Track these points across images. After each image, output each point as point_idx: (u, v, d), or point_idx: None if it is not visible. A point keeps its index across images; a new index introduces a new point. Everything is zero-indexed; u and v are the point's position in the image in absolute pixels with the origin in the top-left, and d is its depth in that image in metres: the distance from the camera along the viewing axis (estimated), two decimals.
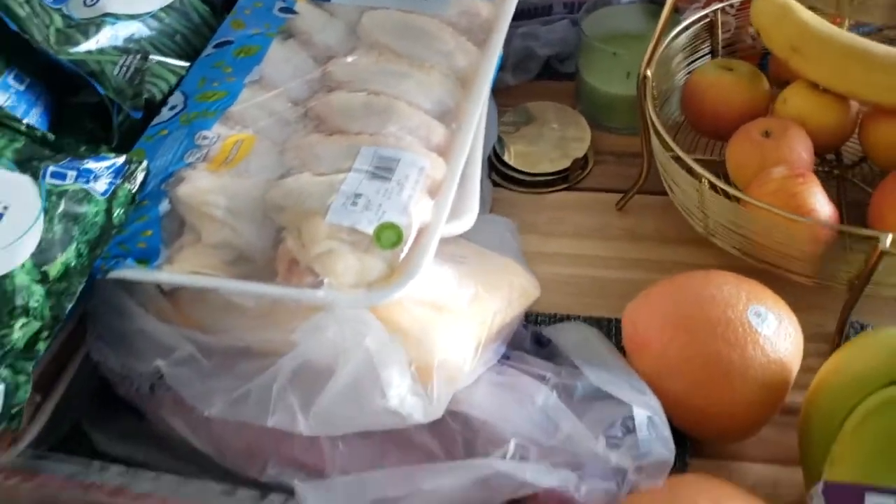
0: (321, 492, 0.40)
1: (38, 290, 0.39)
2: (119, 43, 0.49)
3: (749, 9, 0.58)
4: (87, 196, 0.41)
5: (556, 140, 0.67)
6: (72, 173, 0.41)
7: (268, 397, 0.39)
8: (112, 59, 0.47)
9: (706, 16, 0.62)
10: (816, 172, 0.53)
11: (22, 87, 0.46)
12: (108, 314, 0.43)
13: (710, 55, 0.63)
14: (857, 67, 0.53)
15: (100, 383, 0.48)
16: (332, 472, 0.41)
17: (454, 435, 0.41)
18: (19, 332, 0.39)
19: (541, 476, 0.39)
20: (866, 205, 0.54)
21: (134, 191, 0.42)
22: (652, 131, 0.54)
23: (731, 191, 0.49)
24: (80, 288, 0.40)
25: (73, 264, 0.40)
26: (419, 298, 0.42)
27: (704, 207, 0.52)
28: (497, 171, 0.65)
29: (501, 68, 0.70)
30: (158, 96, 0.49)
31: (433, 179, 0.43)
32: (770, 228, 0.48)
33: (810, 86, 0.56)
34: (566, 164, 0.64)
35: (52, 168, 0.40)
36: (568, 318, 0.55)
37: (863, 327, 0.53)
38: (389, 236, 0.40)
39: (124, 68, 0.47)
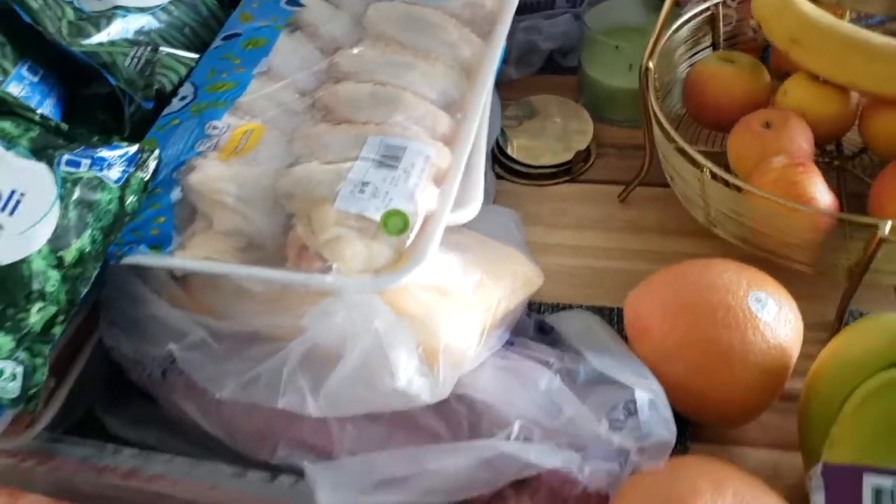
0: (330, 472, 0.41)
1: (54, 275, 0.40)
2: (129, 35, 0.50)
3: (750, 1, 0.58)
4: (100, 184, 0.41)
5: (559, 133, 0.68)
6: (86, 161, 0.41)
7: (278, 380, 0.40)
8: (123, 51, 0.48)
9: (707, 9, 0.62)
10: (817, 163, 0.53)
11: (36, 79, 0.47)
12: (121, 300, 0.44)
13: (711, 48, 0.64)
14: (857, 58, 0.54)
15: (112, 369, 0.49)
16: (341, 453, 0.42)
17: (459, 417, 0.42)
18: (36, 316, 0.40)
19: (544, 457, 0.40)
20: (866, 195, 0.55)
21: (146, 179, 0.43)
22: (654, 122, 0.55)
23: (732, 179, 0.49)
24: (95, 273, 0.41)
25: (87, 250, 0.41)
26: (425, 284, 0.43)
27: (706, 197, 0.52)
28: (500, 163, 0.66)
29: (504, 62, 0.71)
30: (169, 87, 0.50)
31: (438, 168, 0.44)
32: (771, 217, 0.49)
33: (811, 77, 0.57)
34: (569, 156, 0.65)
35: (66, 156, 0.41)
36: (570, 307, 0.55)
37: (861, 315, 0.53)
38: (396, 223, 0.41)
39: (135, 60, 0.48)
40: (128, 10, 0.52)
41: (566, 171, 0.65)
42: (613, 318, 0.55)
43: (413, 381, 0.38)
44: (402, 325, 0.38)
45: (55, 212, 0.40)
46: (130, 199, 0.42)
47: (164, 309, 0.42)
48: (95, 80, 0.49)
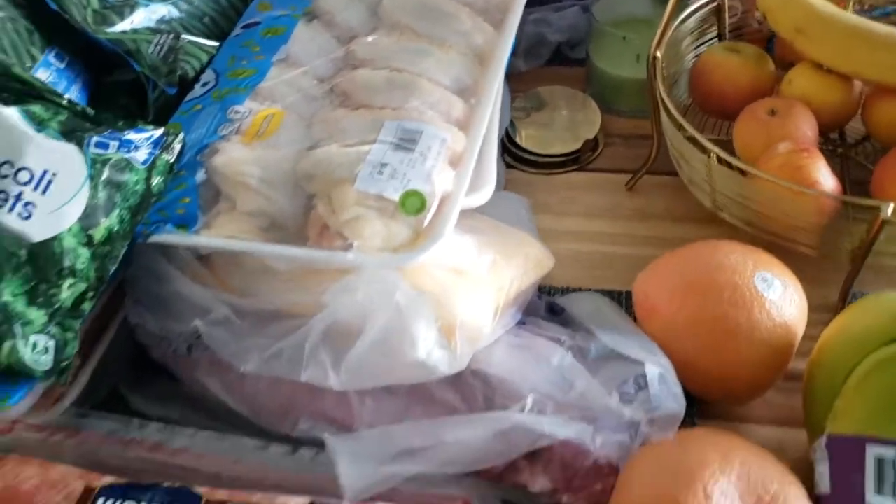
0: (350, 443, 0.42)
1: (84, 252, 0.41)
2: (152, 24, 0.52)
3: None
4: (128, 165, 0.43)
5: (567, 123, 0.69)
6: (114, 143, 0.43)
7: (300, 354, 0.41)
8: (147, 39, 0.50)
9: (713, 0, 0.64)
10: (821, 150, 0.55)
11: (62, 65, 0.48)
12: (146, 279, 0.45)
13: (717, 38, 0.65)
14: (860, 47, 0.55)
15: (135, 349, 0.50)
16: (360, 426, 0.44)
17: (475, 392, 0.44)
18: (67, 292, 0.41)
19: (558, 428, 0.41)
20: (868, 182, 0.56)
21: (172, 161, 0.45)
22: (662, 109, 0.56)
23: (738, 164, 0.51)
24: (123, 251, 0.43)
25: (115, 229, 0.42)
26: (441, 264, 0.44)
27: (712, 182, 0.54)
28: (510, 153, 0.68)
29: (513, 54, 0.72)
30: (191, 73, 0.52)
31: (454, 151, 0.46)
32: (776, 200, 0.50)
33: (815, 66, 0.58)
34: (577, 145, 0.67)
35: (95, 138, 0.43)
36: (580, 290, 0.57)
37: None
38: (414, 203, 0.42)
39: (158, 47, 0.50)
40: None
41: (574, 160, 0.67)
42: (622, 301, 0.56)
43: (432, 353, 0.39)
44: (422, 299, 0.39)
45: (85, 191, 0.41)
46: (156, 180, 0.44)
47: (189, 286, 0.44)
48: (118, 68, 0.51)
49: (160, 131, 0.45)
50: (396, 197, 0.42)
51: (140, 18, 0.51)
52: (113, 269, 0.42)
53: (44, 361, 0.40)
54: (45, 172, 0.41)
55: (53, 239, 0.40)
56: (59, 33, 0.49)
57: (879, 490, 0.39)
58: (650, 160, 0.62)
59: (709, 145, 0.52)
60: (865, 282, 0.53)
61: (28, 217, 0.40)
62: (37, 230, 0.40)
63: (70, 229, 0.41)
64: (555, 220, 0.63)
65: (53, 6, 0.48)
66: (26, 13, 0.48)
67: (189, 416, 0.48)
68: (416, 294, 0.39)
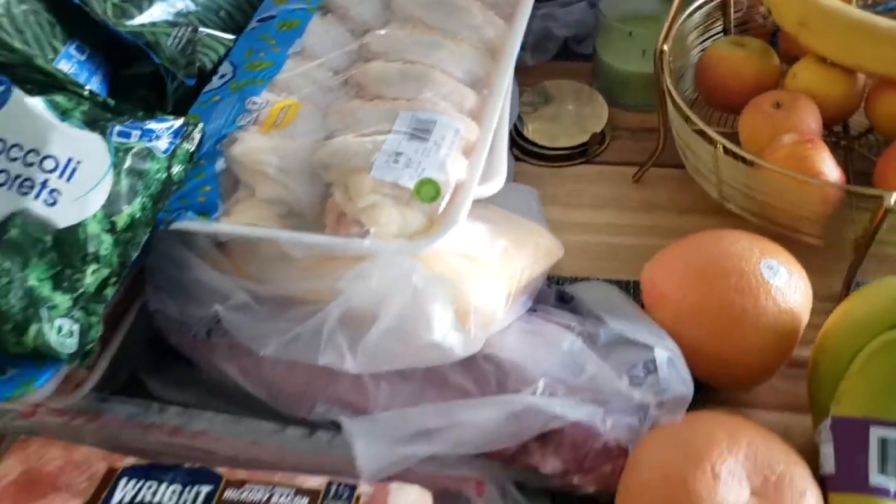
0: (366, 425, 0.43)
1: (108, 238, 0.42)
2: (169, 17, 0.53)
3: None
4: (150, 154, 0.44)
5: (574, 117, 0.70)
6: (136, 132, 0.44)
7: (318, 338, 0.42)
8: (165, 31, 0.51)
9: None
10: (825, 143, 0.56)
11: (83, 57, 0.50)
12: (167, 266, 0.46)
13: (722, 33, 0.66)
14: (864, 41, 0.56)
15: (153, 336, 0.51)
16: (376, 410, 0.45)
17: (487, 376, 0.45)
18: (91, 277, 0.42)
19: (569, 410, 0.42)
20: (872, 174, 0.57)
21: (192, 150, 0.46)
22: (669, 101, 0.57)
23: (744, 154, 0.52)
24: (145, 238, 0.44)
25: (138, 216, 0.43)
26: (455, 251, 0.45)
27: (719, 173, 0.55)
28: (518, 146, 0.69)
29: (521, 49, 0.73)
30: (209, 65, 0.53)
31: (467, 141, 0.47)
32: (781, 191, 0.51)
33: (819, 60, 0.59)
34: (585, 138, 0.68)
35: (118, 127, 0.44)
36: (588, 280, 0.58)
37: None
38: (428, 191, 0.43)
39: (177, 39, 0.51)
40: None
41: (582, 153, 0.68)
42: (629, 290, 0.57)
43: (448, 336, 0.40)
44: (438, 281, 0.40)
45: (108, 179, 0.42)
46: (177, 169, 0.45)
47: (209, 273, 0.45)
48: (137, 61, 0.52)
49: (180, 121, 0.46)
50: (412, 185, 0.43)
51: (158, 12, 0.52)
52: (135, 255, 0.43)
53: (69, 344, 0.41)
54: (69, 160, 0.42)
55: (78, 225, 0.42)
56: (80, 26, 0.50)
57: (883, 470, 0.41)
58: (657, 153, 0.63)
59: (716, 136, 0.53)
60: (868, 271, 0.54)
61: (53, 204, 0.41)
62: (62, 217, 0.41)
63: (94, 216, 0.42)
64: (563, 211, 0.64)
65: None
66: (48, 6, 0.49)
67: (207, 401, 0.49)
68: (432, 277, 0.40)
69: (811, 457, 0.43)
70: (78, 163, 0.42)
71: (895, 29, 0.55)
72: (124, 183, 0.43)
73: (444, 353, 0.41)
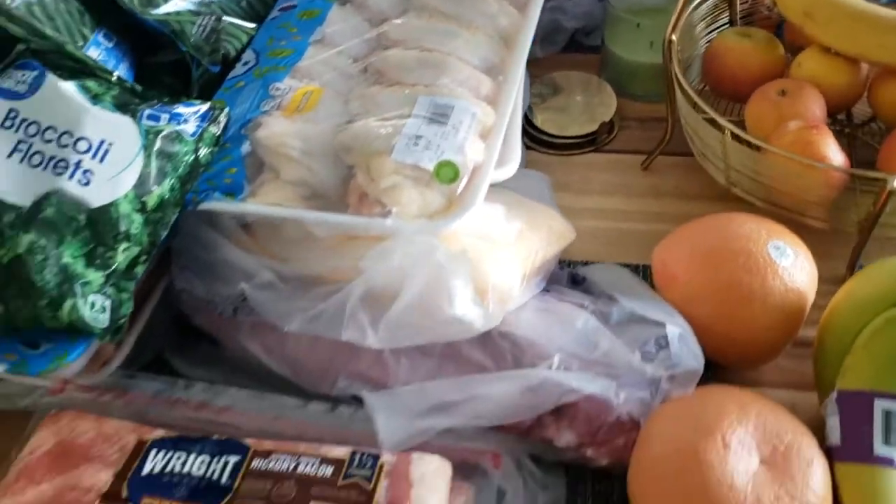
0: (387, 399, 0.45)
1: (138, 218, 0.44)
2: (193, 6, 0.54)
3: None
4: (178, 136, 0.46)
5: (583, 107, 0.71)
6: (165, 116, 0.46)
7: (341, 315, 0.44)
8: (190, 20, 0.52)
9: None
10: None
11: (111, 45, 0.51)
12: (193, 247, 0.48)
13: (728, 24, 0.68)
14: (867, 31, 0.58)
15: (177, 316, 0.53)
16: (396, 385, 0.46)
17: (504, 352, 0.46)
18: (122, 255, 0.44)
19: (584, 383, 0.44)
20: (875, 161, 0.58)
21: (218, 133, 0.47)
22: (677, 89, 0.59)
23: (751, 139, 0.53)
24: (174, 218, 0.45)
25: (167, 197, 0.45)
26: (473, 231, 0.47)
27: (726, 158, 0.56)
28: (528, 135, 0.70)
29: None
30: (233, 53, 0.54)
31: (484, 125, 0.48)
32: (787, 175, 0.53)
33: (823, 50, 0.60)
34: (594, 127, 0.69)
35: (147, 111, 0.45)
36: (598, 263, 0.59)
37: None
38: (447, 172, 0.45)
39: (201, 28, 0.52)
40: None
41: (591, 142, 0.69)
42: (639, 273, 0.58)
43: (468, 310, 0.42)
44: (460, 258, 0.42)
45: (139, 160, 0.44)
46: (204, 152, 0.46)
47: (235, 253, 0.46)
48: (162, 49, 0.53)
49: (207, 106, 0.47)
50: (431, 167, 0.45)
51: (182, 1, 0.54)
52: (164, 234, 0.45)
53: (102, 320, 0.43)
54: (102, 142, 0.44)
55: (110, 205, 0.43)
56: (108, 15, 0.52)
57: (886, 440, 0.42)
58: (665, 141, 0.65)
59: (723, 122, 0.54)
60: (872, 254, 0.56)
61: (87, 184, 0.43)
62: (95, 196, 0.43)
63: (126, 196, 0.44)
64: (573, 198, 0.65)
65: None
66: None
67: (231, 378, 0.50)
68: (453, 254, 0.42)
69: (817, 431, 0.44)
70: (110, 144, 0.44)
71: None
72: (154, 164, 0.45)
73: (464, 328, 0.42)
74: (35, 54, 0.46)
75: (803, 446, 0.41)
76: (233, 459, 0.42)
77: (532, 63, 0.78)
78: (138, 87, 0.48)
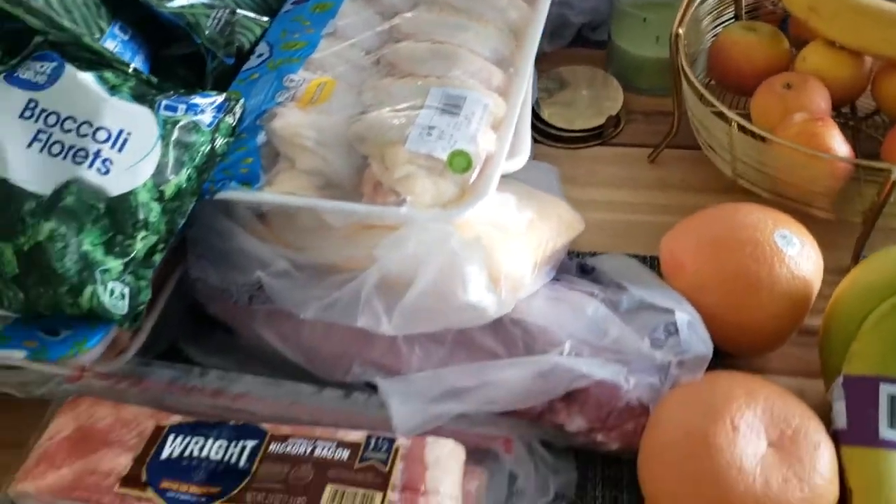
0: (400, 385, 0.45)
1: (156, 207, 0.45)
2: (207, 0, 0.55)
3: None
4: (195, 127, 0.46)
5: (590, 101, 0.72)
6: (182, 106, 0.46)
7: (356, 302, 0.45)
8: (205, 13, 0.53)
9: None
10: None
11: (126, 37, 0.52)
12: (209, 236, 0.48)
13: (734, 19, 0.69)
14: (871, 25, 0.58)
15: (191, 306, 0.53)
16: (409, 372, 0.47)
17: (515, 339, 0.47)
18: (140, 244, 0.44)
19: (595, 369, 0.44)
20: (879, 154, 0.59)
21: (234, 124, 0.48)
22: (684, 82, 0.60)
23: (758, 130, 0.54)
24: (191, 207, 0.46)
25: (184, 186, 0.46)
26: (485, 220, 0.47)
27: (733, 150, 0.57)
28: (536, 128, 0.71)
29: None
30: (247, 45, 0.55)
31: (495, 116, 0.49)
32: (793, 166, 0.54)
33: (827, 44, 0.61)
34: (601, 120, 0.70)
35: (165, 101, 0.46)
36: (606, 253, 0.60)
37: None
38: (460, 162, 0.46)
39: (216, 20, 0.53)
40: None
41: (598, 136, 0.70)
42: (646, 264, 0.59)
43: (482, 296, 0.43)
44: (473, 246, 0.42)
45: (157, 150, 0.45)
46: (220, 142, 0.47)
47: (251, 242, 0.47)
48: (176, 42, 0.54)
49: (222, 97, 0.48)
50: (444, 156, 0.46)
51: None
52: (181, 223, 0.46)
53: (121, 306, 0.44)
54: (121, 132, 0.44)
55: (129, 193, 0.44)
56: (123, 7, 0.52)
57: (892, 424, 0.43)
58: (671, 134, 0.66)
59: (730, 114, 0.55)
60: (876, 244, 0.56)
61: (106, 173, 0.44)
62: (114, 185, 0.44)
63: (144, 185, 0.44)
64: (580, 190, 0.66)
65: None
66: None
67: (245, 367, 0.51)
68: (468, 241, 0.42)
69: (823, 417, 0.45)
70: (129, 134, 0.44)
71: None
72: (172, 154, 0.45)
73: (478, 314, 0.43)
74: (53, 46, 0.47)
75: (810, 430, 0.42)
76: (250, 444, 0.43)
77: (539, 58, 0.78)
78: (154, 79, 0.49)
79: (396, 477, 0.41)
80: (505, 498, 0.44)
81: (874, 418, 0.43)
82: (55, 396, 0.49)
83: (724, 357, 0.52)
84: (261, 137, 0.48)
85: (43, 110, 0.45)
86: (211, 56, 0.52)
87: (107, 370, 0.50)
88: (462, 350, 0.47)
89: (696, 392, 0.44)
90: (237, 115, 0.48)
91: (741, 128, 0.55)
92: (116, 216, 0.43)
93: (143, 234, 0.44)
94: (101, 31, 0.50)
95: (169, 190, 0.45)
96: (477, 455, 0.45)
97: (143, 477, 0.42)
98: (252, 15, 0.57)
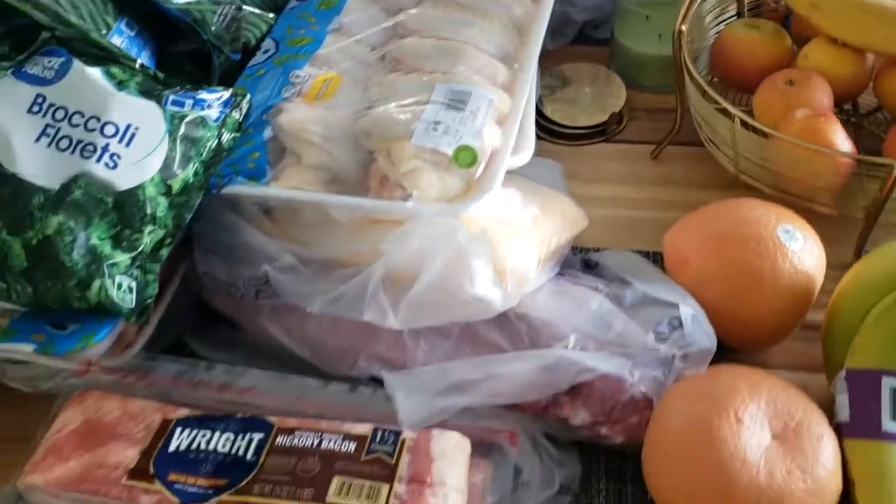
0: (406, 378, 0.46)
1: (163, 201, 0.45)
2: None
3: None
4: (202, 122, 0.47)
5: (592, 98, 0.72)
6: (189, 102, 0.47)
7: (362, 296, 0.45)
8: (211, 9, 0.53)
9: None
10: None
11: (133, 33, 0.52)
12: (216, 230, 0.49)
13: (736, 16, 0.69)
14: (873, 22, 0.59)
15: (197, 302, 0.54)
16: (414, 366, 0.47)
17: (520, 333, 0.47)
18: (148, 238, 0.45)
19: (600, 362, 0.45)
20: (880, 150, 0.59)
21: (240, 119, 0.48)
22: (688, 78, 0.60)
23: (761, 126, 0.54)
24: (198, 202, 0.46)
25: (191, 181, 0.46)
26: (490, 215, 0.48)
27: (736, 146, 0.57)
28: (539, 125, 0.71)
29: None
30: (253, 41, 0.56)
31: (500, 111, 0.49)
32: (796, 161, 0.54)
33: (829, 41, 0.61)
34: (604, 117, 0.70)
35: (172, 97, 0.46)
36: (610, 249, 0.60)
37: None
38: (466, 157, 0.46)
39: (222, 17, 0.53)
40: None
41: (601, 133, 0.70)
42: (648, 260, 0.59)
43: (489, 290, 0.43)
44: (480, 239, 0.43)
45: (164, 145, 0.45)
46: (227, 137, 0.47)
47: (257, 236, 0.47)
48: (182, 38, 0.54)
49: (229, 92, 0.48)
50: (450, 151, 0.46)
51: None
52: (189, 217, 0.46)
53: (128, 300, 0.44)
54: (128, 126, 0.45)
55: (137, 188, 0.44)
56: (130, 4, 0.53)
57: (895, 417, 0.43)
58: (674, 130, 0.66)
59: (733, 110, 0.55)
60: (878, 240, 0.56)
61: (114, 167, 0.44)
62: (122, 179, 0.44)
63: (151, 179, 0.45)
64: (584, 186, 0.66)
65: None
66: None
67: (250, 362, 0.51)
68: (474, 234, 0.43)
69: (826, 411, 0.45)
70: (136, 129, 0.45)
71: None
72: (179, 149, 0.46)
73: (484, 307, 0.43)
74: (60, 42, 0.47)
75: (813, 422, 0.42)
76: (257, 436, 0.43)
77: (541, 56, 0.78)
78: (160, 75, 0.49)
79: (403, 469, 0.41)
80: (510, 490, 0.45)
81: (877, 411, 0.43)
82: (62, 391, 0.49)
83: (727, 352, 0.52)
84: (267, 132, 0.49)
85: (51, 105, 0.45)
86: (217, 52, 0.53)
87: (113, 364, 0.50)
88: (467, 344, 0.47)
89: (700, 385, 0.45)
90: (243, 111, 0.49)
91: (744, 124, 0.55)
92: (124, 210, 0.44)
93: (150, 228, 0.44)
94: (108, 27, 0.50)
95: (176, 184, 0.45)
96: (482, 448, 0.45)
97: (151, 469, 0.42)
98: (258, 11, 0.57)
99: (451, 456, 0.42)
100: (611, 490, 0.47)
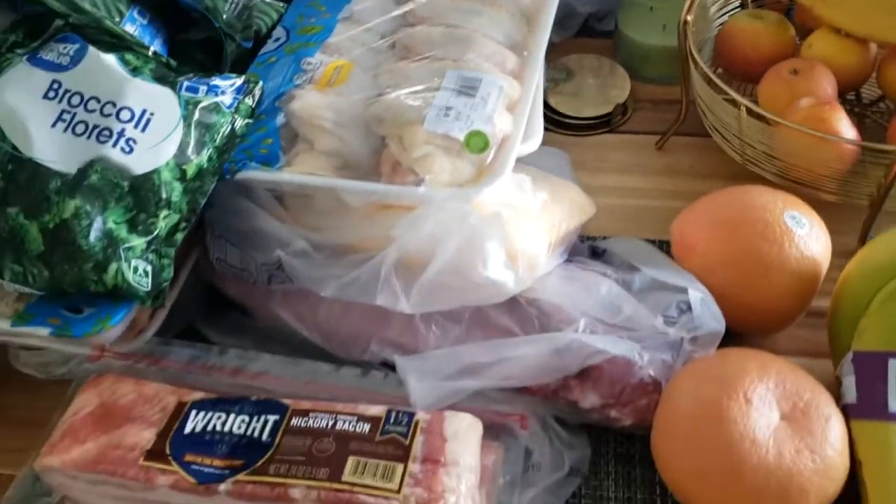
0: (418, 362, 0.46)
1: (178, 186, 0.45)
2: None
3: None
4: (216, 108, 0.47)
5: (596, 90, 0.73)
6: (203, 88, 0.47)
7: (374, 281, 0.45)
8: None
9: None
10: None
11: (145, 21, 0.52)
12: (229, 216, 0.49)
13: (740, 7, 0.70)
14: (876, 13, 0.59)
15: (208, 289, 0.54)
16: (426, 350, 0.47)
17: (531, 318, 0.48)
18: (163, 222, 0.45)
19: (610, 344, 0.45)
20: (884, 139, 0.60)
21: (253, 105, 0.49)
22: (693, 68, 0.60)
23: (766, 114, 0.55)
24: (211, 187, 0.47)
25: (205, 166, 0.46)
26: (501, 200, 0.48)
27: (741, 134, 0.58)
28: (545, 117, 0.71)
29: None
30: (264, 29, 0.56)
31: (510, 98, 0.50)
32: (801, 149, 0.55)
33: (833, 31, 0.62)
34: (609, 108, 0.71)
35: (186, 83, 0.47)
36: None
37: None
38: (477, 142, 0.46)
39: (234, 5, 0.54)
40: None
41: (605, 123, 0.71)
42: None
43: (501, 272, 0.43)
44: (492, 222, 0.43)
45: (179, 130, 0.45)
46: (240, 123, 0.48)
47: (270, 222, 0.48)
48: (194, 26, 0.55)
49: (242, 79, 0.49)
50: (462, 136, 0.46)
51: None
52: (203, 202, 0.46)
53: (144, 284, 0.44)
54: (144, 112, 0.45)
55: (152, 172, 0.45)
56: None
57: None
58: (679, 121, 0.66)
59: (739, 98, 0.56)
60: (882, 227, 0.57)
61: (130, 152, 0.44)
62: (137, 164, 0.44)
63: (167, 164, 0.45)
64: (590, 176, 0.67)
65: None
66: None
67: (261, 347, 0.51)
68: (487, 218, 0.43)
69: (833, 395, 0.46)
70: (151, 114, 0.45)
71: None
72: (193, 134, 0.46)
73: (497, 290, 0.44)
74: (74, 29, 0.48)
75: (821, 403, 0.43)
76: (272, 418, 0.44)
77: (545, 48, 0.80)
78: (173, 62, 0.50)
79: (417, 449, 0.41)
80: (521, 472, 0.45)
81: (883, 392, 0.44)
82: (75, 377, 0.50)
83: (734, 337, 0.53)
84: (280, 119, 0.49)
85: (66, 91, 0.45)
86: (229, 40, 0.53)
87: (126, 350, 0.50)
88: (478, 329, 0.48)
89: (708, 367, 0.45)
90: (256, 97, 0.49)
91: (750, 112, 0.56)
92: (140, 195, 0.44)
93: (165, 212, 0.45)
94: (121, 15, 0.51)
95: (191, 169, 0.46)
96: (493, 431, 0.46)
97: (167, 451, 0.43)
98: (269, 0, 0.58)
99: (464, 436, 0.42)
100: (620, 472, 0.48)
